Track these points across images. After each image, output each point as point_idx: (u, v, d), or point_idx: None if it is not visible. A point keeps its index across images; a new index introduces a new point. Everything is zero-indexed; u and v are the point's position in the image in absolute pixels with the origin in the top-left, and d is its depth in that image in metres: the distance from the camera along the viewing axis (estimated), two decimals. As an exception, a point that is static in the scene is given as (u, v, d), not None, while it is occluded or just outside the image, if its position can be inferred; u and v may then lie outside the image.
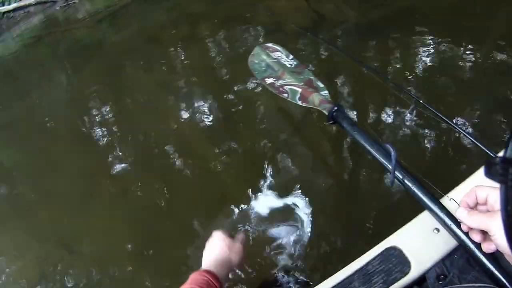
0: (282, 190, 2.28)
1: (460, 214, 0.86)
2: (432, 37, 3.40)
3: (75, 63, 5.23)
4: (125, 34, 5.54)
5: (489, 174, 0.56)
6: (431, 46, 3.33)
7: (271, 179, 2.40)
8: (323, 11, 3.96)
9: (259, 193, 2.29)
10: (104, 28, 6.18)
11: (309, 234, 2.01)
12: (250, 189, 2.37)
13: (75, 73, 5.07)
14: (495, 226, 0.77)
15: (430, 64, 3.18)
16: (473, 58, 3.15)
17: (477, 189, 0.87)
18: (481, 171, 1.33)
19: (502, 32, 3.53)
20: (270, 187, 2.33)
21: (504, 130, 2.47)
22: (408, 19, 3.76)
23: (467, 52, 3.21)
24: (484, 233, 0.82)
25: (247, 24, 4.26)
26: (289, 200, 2.19)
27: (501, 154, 1.37)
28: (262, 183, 2.36)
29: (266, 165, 2.48)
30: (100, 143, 3.38)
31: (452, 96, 2.82)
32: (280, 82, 1.82)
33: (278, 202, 2.20)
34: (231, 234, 1.43)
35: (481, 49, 3.24)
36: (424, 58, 3.24)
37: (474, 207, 0.88)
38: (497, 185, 0.81)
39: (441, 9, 3.93)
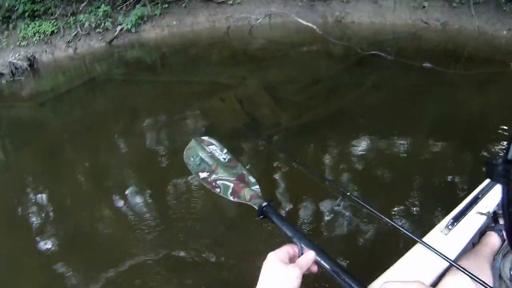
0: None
1: None
2: (360, 134, 3.70)
3: (14, 142, 5.19)
4: (66, 119, 5.54)
5: (490, 176, 0.59)
6: (359, 143, 3.62)
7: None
8: (257, 114, 4.17)
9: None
10: (46, 111, 6.15)
11: None
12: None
13: (13, 151, 5.00)
14: None
15: (358, 159, 3.42)
16: (403, 150, 3.42)
17: (386, 285, 0.92)
18: (405, 258, 1.40)
19: (429, 122, 3.86)
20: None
21: (437, 215, 2.65)
22: (338, 119, 4.09)
23: (396, 144, 3.50)
24: None
25: (184, 121, 4.40)
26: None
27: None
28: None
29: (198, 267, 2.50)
30: (29, 228, 3.26)
31: (383, 186, 3.00)
32: (214, 176, 1.85)
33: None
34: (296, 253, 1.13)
35: (408, 141, 3.53)
36: (352, 154, 3.50)
37: None
38: (408, 278, 0.85)
39: (367, 108, 4.30)
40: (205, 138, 2.20)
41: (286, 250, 1.10)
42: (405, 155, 3.36)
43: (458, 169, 3.07)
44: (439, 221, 1.53)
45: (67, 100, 6.39)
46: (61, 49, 9.64)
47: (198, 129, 4.27)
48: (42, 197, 3.59)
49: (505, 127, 3.46)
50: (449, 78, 5.09)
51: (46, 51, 9.54)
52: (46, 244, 3.03)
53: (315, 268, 1.12)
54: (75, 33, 9.69)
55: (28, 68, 8.44)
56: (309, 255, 1.10)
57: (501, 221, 1.71)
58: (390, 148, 3.45)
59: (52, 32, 9.71)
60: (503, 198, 0.62)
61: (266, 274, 1.02)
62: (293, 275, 0.98)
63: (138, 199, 3.31)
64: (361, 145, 3.56)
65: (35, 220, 3.31)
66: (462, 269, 1.26)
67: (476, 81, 4.83)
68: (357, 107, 4.40)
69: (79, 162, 4.17)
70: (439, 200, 2.74)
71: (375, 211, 1.54)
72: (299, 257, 1.10)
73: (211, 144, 2.12)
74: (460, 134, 3.58)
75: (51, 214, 3.40)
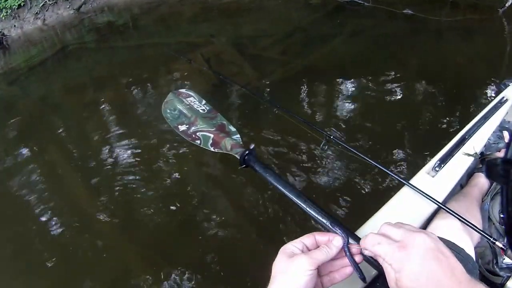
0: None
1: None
2: (337, 85, 3.60)
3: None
4: (37, 95, 5.30)
5: (490, 175, 0.56)
6: (338, 93, 3.52)
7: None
8: (225, 73, 4.02)
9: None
10: (16, 90, 5.87)
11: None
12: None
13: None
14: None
15: (339, 109, 3.35)
16: (386, 97, 3.36)
17: (370, 241, 0.85)
18: (392, 201, 1.37)
19: (412, 70, 3.77)
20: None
21: (423, 158, 2.62)
22: (312, 74, 3.92)
23: (379, 92, 3.43)
24: None
25: (152, 87, 4.29)
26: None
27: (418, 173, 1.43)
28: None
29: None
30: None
31: (367, 131, 2.97)
32: (193, 128, 1.81)
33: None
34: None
35: (392, 88, 3.45)
36: (332, 105, 3.42)
37: None
38: (403, 220, 0.81)
39: (344, 59, 4.17)
40: (183, 90, 2.14)
41: (300, 241, 0.87)
42: (389, 102, 3.29)
43: (445, 114, 3.01)
44: (425, 164, 1.50)
45: (38, 75, 6.15)
46: (29, 22, 9.34)
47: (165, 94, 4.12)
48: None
49: (492, 76, 3.36)
50: (432, 25, 4.81)
51: (14, 26, 9.23)
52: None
53: (349, 270, 0.87)
54: (42, 3, 9.37)
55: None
56: (334, 242, 0.87)
57: (489, 162, 1.70)
58: (372, 96, 3.38)
59: (19, 5, 9.39)
60: (503, 198, 0.59)
61: (273, 273, 0.82)
62: (299, 268, 0.78)
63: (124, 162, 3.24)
64: (341, 95, 3.47)
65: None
66: (451, 211, 1.23)
67: (461, 28, 4.59)
68: (333, 59, 4.26)
69: (55, 139, 3.99)
70: (425, 143, 2.72)
71: (360, 154, 1.50)
72: None
73: (189, 96, 2.07)
74: (445, 81, 3.46)
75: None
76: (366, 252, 0.84)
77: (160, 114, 2.03)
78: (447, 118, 2.96)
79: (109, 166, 3.26)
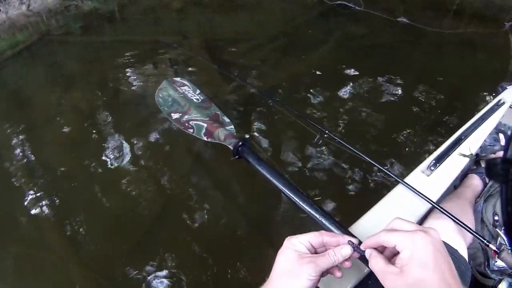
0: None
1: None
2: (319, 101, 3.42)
3: None
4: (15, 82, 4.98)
5: (489, 174, 0.55)
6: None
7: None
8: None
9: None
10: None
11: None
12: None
13: None
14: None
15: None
16: (378, 106, 3.29)
17: (383, 234, 0.83)
18: (386, 199, 1.36)
19: (404, 84, 3.63)
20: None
21: (419, 158, 2.59)
22: (291, 85, 3.67)
23: (370, 100, 3.36)
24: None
25: (111, 92, 4.00)
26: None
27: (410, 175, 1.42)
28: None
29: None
30: None
31: (362, 131, 2.94)
32: (186, 117, 1.78)
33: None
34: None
35: (383, 99, 3.36)
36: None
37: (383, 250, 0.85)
38: (408, 228, 0.80)
39: (328, 72, 3.86)
40: (178, 79, 2.12)
41: (307, 238, 0.88)
42: (379, 106, 3.20)
43: (439, 119, 3.00)
44: (421, 163, 1.48)
45: (14, 65, 5.88)
46: (14, 7, 9.17)
47: (125, 103, 3.80)
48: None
49: (491, 93, 3.19)
50: (431, 36, 4.46)
51: (0, 9, 9.06)
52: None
53: (348, 264, 0.89)
54: (27, -13, 9.22)
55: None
56: (342, 251, 0.87)
57: (483, 164, 1.70)
58: (362, 102, 3.28)
59: (5, -11, 9.23)
60: (502, 197, 0.57)
61: (276, 266, 0.84)
62: (305, 274, 0.80)
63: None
64: (328, 102, 3.28)
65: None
66: (445, 211, 1.22)
67: (463, 42, 4.31)
68: (317, 70, 3.92)
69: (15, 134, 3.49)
70: (420, 143, 2.72)
71: (354, 150, 1.49)
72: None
73: (184, 85, 2.05)
74: (442, 95, 3.35)
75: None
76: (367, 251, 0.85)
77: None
78: (443, 121, 2.95)
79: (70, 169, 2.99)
